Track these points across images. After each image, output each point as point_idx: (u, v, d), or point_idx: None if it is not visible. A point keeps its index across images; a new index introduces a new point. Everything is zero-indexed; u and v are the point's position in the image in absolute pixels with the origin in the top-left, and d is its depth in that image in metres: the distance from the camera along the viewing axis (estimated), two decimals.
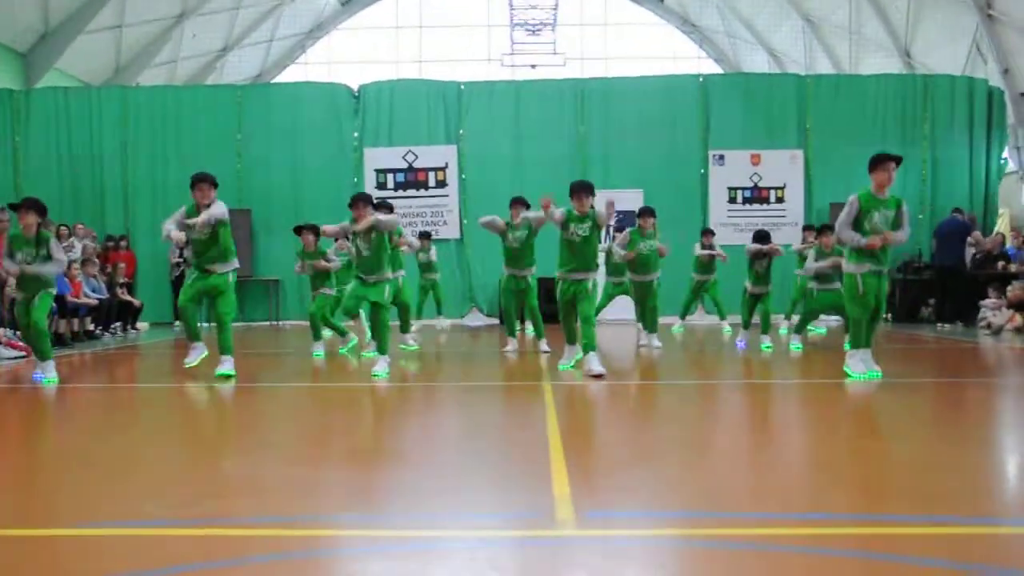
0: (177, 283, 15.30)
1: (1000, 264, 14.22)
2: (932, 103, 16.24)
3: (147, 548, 3.09)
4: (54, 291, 8.01)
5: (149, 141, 16.47)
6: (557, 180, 15.52)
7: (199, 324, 8.15)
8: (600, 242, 8.38)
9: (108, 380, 8.86)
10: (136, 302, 14.45)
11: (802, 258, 11.32)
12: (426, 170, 16.32)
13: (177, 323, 15.43)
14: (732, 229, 15.95)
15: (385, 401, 7.01)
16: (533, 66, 26.82)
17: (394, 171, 16.33)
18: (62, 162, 16.42)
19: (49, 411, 6.65)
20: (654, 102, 16.33)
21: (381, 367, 7.86)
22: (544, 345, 10.01)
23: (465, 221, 16.15)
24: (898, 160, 7.28)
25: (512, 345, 10.30)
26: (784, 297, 13.49)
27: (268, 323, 16.01)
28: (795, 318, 11.94)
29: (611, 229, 13.58)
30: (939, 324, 14.23)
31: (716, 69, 28.62)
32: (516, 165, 16.14)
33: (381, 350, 8.03)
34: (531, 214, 9.61)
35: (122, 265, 14.75)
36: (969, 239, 14.75)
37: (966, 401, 6.78)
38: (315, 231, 10.18)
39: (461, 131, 16.41)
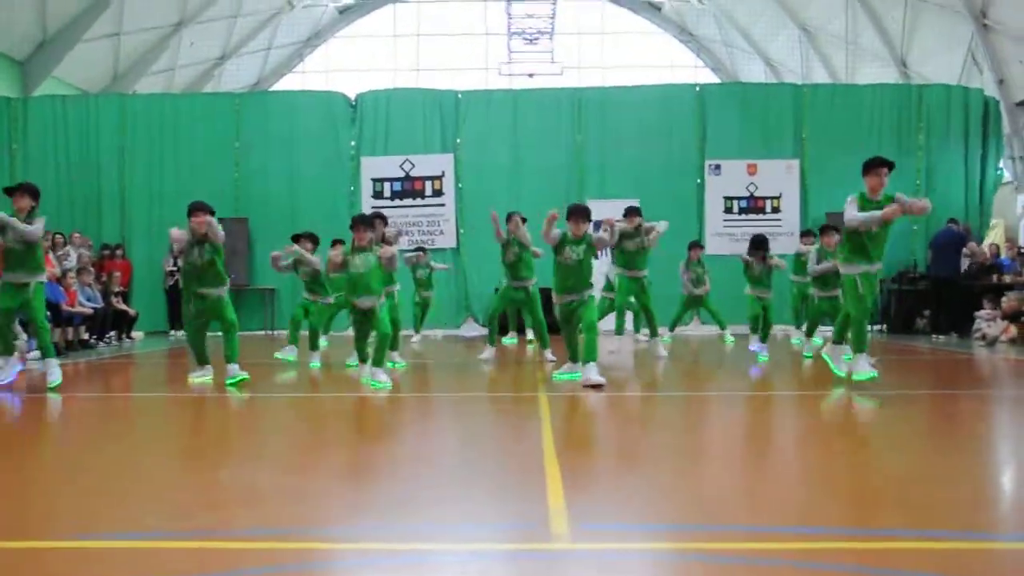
0: (171, 292, 15.31)
1: (995, 277, 14.25)
2: (927, 113, 16.28)
3: (143, 560, 3.09)
4: (44, 278, 8.03)
5: (147, 149, 16.48)
6: (554, 189, 15.68)
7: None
8: (595, 258, 8.40)
9: (103, 389, 8.84)
10: (131, 311, 14.44)
11: (801, 262, 11.19)
12: (423, 179, 16.33)
13: (172, 333, 15.43)
14: (728, 239, 15.97)
15: (380, 412, 7.00)
16: (530, 75, 26.88)
17: (391, 180, 16.34)
18: (59, 170, 16.40)
19: (43, 421, 6.64)
20: (651, 111, 16.36)
21: (382, 377, 7.86)
22: (550, 355, 10.01)
23: (462, 230, 16.16)
24: (891, 165, 7.36)
25: (489, 353, 10.28)
26: (783, 305, 13.33)
27: (263, 332, 15.99)
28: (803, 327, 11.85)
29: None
30: (934, 335, 14.24)
31: (713, 78, 28.69)
32: (513, 174, 16.16)
33: (377, 362, 8.00)
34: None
35: (117, 274, 14.73)
36: (965, 250, 14.77)
37: (961, 413, 6.79)
38: (313, 239, 10.24)
39: (458, 140, 16.43)
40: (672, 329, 12.54)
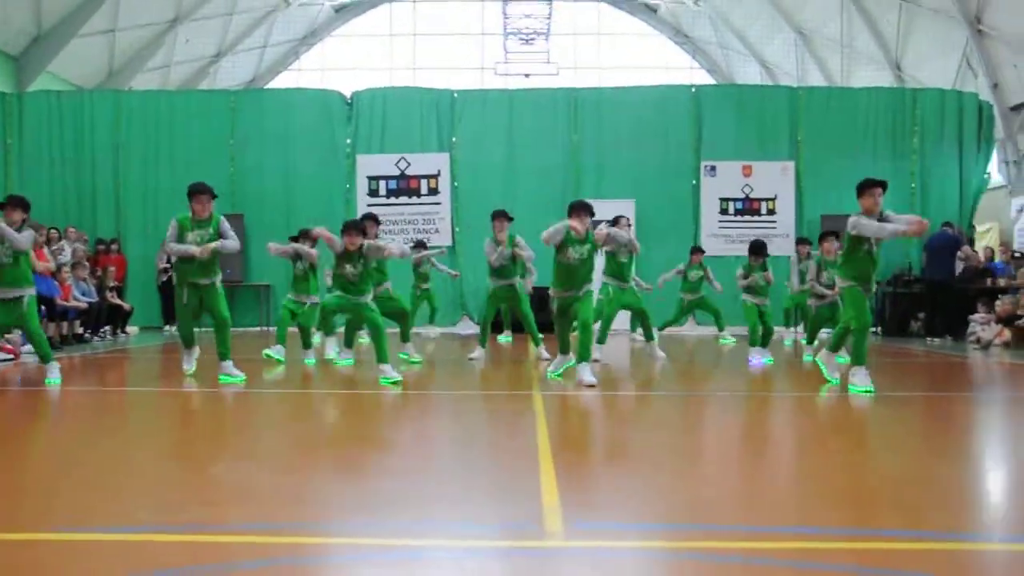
0: (164, 289, 15.27)
1: (989, 280, 14.28)
2: (922, 117, 16.29)
3: (135, 553, 3.08)
4: (33, 291, 8.00)
5: (142, 145, 16.45)
6: (549, 189, 15.70)
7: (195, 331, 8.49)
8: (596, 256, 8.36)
9: (98, 384, 8.81)
10: (126, 306, 14.41)
11: (801, 271, 10.97)
12: (418, 177, 16.32)
13: (167, 328, 15.39)
14: (723, 240, 16.00)
15: (375, 409, 6.98)
16: (527, 75, 26.86)
17: (386, 178, 16.33)
18: (54, 165, 16.37)
19: (37, 415, 6.62)
20: (647, 112, 16.35)
21: (390, 373, 7.84)
22: (543, 352, 10.01)
23: (457, 229, 16.16)
24: (884, 185, 7.37)
25: (478, 353, 10.28)
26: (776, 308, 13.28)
27: (258, 328, 15.96)
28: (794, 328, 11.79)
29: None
30: (929, 338, 14.27)
31: (709, 80, 28.71)
32: (509, 173, 16.16)
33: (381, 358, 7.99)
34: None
35: (112, 269, 14.71)
36: (959, 253, 14.80)
37: (956, 415, 6.80)
38: (312, 239, 10.23)
39: (454, 139, 16.42)
40: (662, 328, 12.51)
